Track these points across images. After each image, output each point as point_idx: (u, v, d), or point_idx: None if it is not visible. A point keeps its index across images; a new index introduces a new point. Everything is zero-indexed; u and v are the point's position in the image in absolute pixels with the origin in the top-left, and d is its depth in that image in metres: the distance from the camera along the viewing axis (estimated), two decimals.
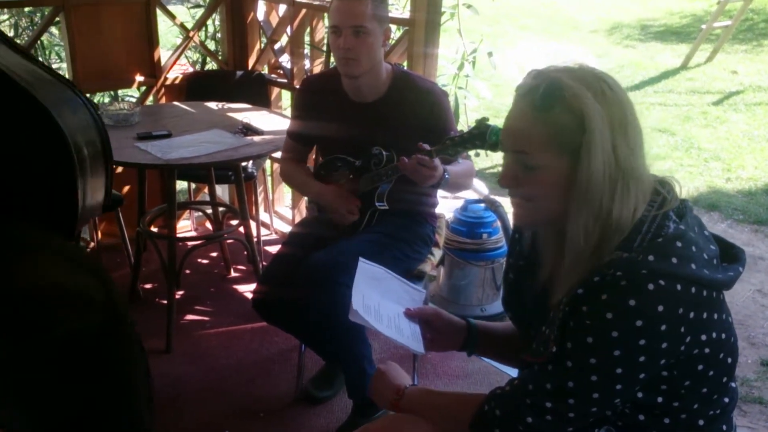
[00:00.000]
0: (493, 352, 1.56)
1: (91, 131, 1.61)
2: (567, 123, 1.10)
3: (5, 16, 5.09)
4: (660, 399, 1.17)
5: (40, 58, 4.15)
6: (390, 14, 3.09)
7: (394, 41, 3.08)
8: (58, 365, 0.57)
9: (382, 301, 1.42)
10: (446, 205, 3.11)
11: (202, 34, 3.93)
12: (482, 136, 1.83)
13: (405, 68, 2.39)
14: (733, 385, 1.26)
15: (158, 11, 3.44)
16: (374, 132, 2.20)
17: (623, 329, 1.06)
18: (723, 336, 1.16)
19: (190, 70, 3.86)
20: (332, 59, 3.05)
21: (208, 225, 3.67)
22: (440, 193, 2.42)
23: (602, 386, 1.11)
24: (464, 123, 4.13)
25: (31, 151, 1.48)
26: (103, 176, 1.66)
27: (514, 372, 2.58)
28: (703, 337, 1.12)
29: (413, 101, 2.19)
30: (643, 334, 1.07)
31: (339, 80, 2.25)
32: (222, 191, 3.84)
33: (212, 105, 3.19)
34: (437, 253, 2.45)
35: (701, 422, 1.21)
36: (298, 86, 2.60)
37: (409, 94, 2.21)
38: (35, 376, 0.56)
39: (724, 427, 1.26)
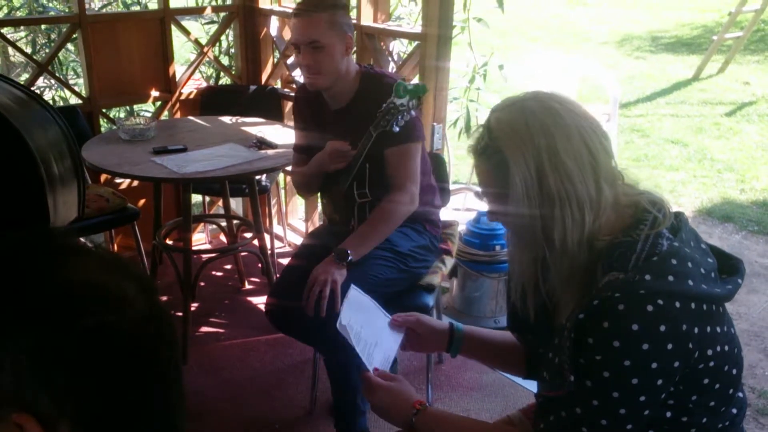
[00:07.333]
0: (480, 356, 1.63)
1: (62, 146, 1.65)
2: (497, 163, 1.16)
3: (23, 33, 5.17)
4: (669, 414, 1.17)
5: (57, 74, 4.21)
6: (400, 29, 3.13)
7: (405, 55, 3.11)
8: (85, 354, 0.60)
9: (365, 327, 1.50)
10: (459, 217, 3.12)
11: (216, 49, 3.98)
12: (397, 95, 2.00)
13: (372, 67, 2.39)
14: (740, 395, 1.26)
15: (173, 27, 3.49)
16: (349, 135, 2.19)
17: (633, 356, 1.07)
18: (726, 348, 1.16)
19: (204, 85, 3.91)
20: None
21: (223, 238, 3.70)
22: (452, 204, 2.43)
23: (632, 416, 1.12)
24: None
25: (1, 169, 1.52)
26: (75, 189, 1.70)
27: (525, 383, 2.59)
28: (709, 352, 1.13)
29: (379, 98, 2.14)
30: (654, 357, 1.07)
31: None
32: (236, 204, 3.87)
33: (226, 119, 3.23)
34: (449, 262, 2.45)
35: None
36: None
37: (375, 92, 2.18)
38: (64, 363, 0.59)
39: None
